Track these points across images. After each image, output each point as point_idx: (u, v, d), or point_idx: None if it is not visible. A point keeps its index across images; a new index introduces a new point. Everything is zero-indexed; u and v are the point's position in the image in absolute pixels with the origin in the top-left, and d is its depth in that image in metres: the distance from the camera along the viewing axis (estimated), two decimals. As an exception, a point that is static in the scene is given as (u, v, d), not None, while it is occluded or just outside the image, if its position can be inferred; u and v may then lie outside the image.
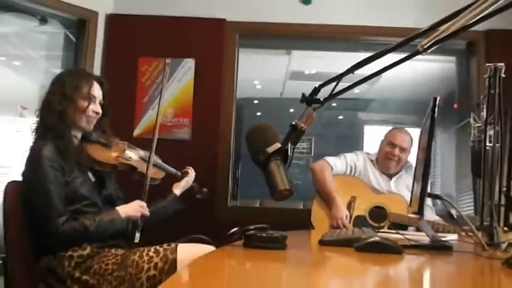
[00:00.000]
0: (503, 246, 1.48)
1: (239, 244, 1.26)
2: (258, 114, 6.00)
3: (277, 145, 1.37)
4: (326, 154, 3.00)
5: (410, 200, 1.91)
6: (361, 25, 3.49)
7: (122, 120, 3.09)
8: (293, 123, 1.38)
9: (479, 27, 3.83)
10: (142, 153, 2.13)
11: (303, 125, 1.38)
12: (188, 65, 3.39)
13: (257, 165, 1.38)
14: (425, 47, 1.30)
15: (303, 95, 1.41)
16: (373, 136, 5.84)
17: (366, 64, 1.44)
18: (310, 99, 1.40)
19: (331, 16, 3.49)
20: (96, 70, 3.35)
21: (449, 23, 1.30)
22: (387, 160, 2.86)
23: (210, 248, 1.81)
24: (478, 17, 1.24)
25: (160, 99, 2.20)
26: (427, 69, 4.76)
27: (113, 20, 3.46)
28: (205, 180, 2.61)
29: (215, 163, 3.39)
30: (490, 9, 1.22)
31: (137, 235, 1.89)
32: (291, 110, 5.91)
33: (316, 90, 1.42)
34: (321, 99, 1.41)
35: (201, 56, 3.43)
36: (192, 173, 2.30)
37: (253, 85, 5.59)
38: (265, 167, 1.36)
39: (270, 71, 5.07)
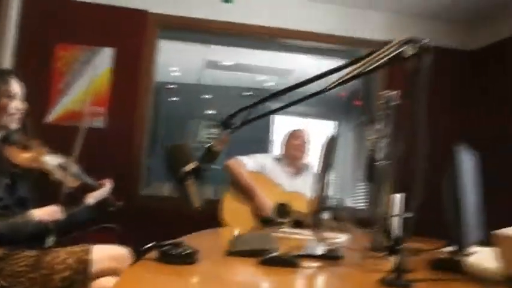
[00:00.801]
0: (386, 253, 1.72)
1: (153, 258, 1.37)
2: (176, 99, 6.04)
3: (193, 165, 1.49)
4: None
5: (311, 199, 2.12)
6: (277, 27, 3.69)
7: (35, 105, 3.02)
8: (208, 145, 1.51)
9: (382, 37, 4.19)
10: (60, 159, 2.13)
11: (218, 146, 1.52)
12: (106, 54, 3.38)
13: (174, 182, 1.50)
14: (329, 87, 1.48)
15: (220, 119, 1.53)
16: (281, 125, 6.15)
17: (287, 92, 1.59)
18: (226, 124, 1.53)
19: (250, 16, 3.64)
20: (9, 54, 3.22)
21: (353, 66, 1.48)
22: (295, 151, 3.16)
23: (123, 250, 1.90)
24: (373, 66, 1.44)
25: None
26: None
27: (30, 2, 3.32)
28: (119, 168, 2.63)
29: (129, 151, 3.44)
30: (385, 60, 1.43)
31: (50, 239, 1.92)
32: (207, 96, 6.02)
33: (232, 115, 1.55)
34: (237, 124, 1.54)
35: (120, 45, 3.42)
36: (108, 185, 2.34)
37: (171, 71, 5.60)
38: (181, 184, 1.48)
39: (188, 59, 5.11)
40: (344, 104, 5.40)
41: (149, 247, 1.41)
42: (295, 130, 3.33)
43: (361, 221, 2.11)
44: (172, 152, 1.55)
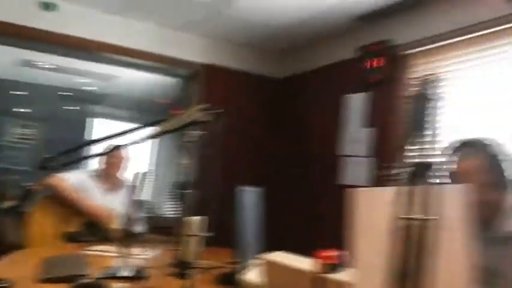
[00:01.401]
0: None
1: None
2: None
3: (11, 203, 1.64)
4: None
5: (122, 216, 2.30)
6: (97, 40, 3.78)
7: None
8: (27, 186, 1.67)
9: (200, 60, 4.55)
10: None
11: (36, 187, 1.69)
12: None
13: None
14: (157, 134, 1.76)
15: (40, 163, 1.70)
16: (101, 128, 6.27)
17: (106, 140, 1.80)
18: (45, 166, 1.70)
19: (70, 27, 3.68)
20: None
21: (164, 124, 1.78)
22: (112, 168, 3.29)
23: None
24: (176, 127, 1.77)
25: None
26: (160, 78, 5.28)
27: None
28: None
29: None
30: (184, 124, 1.77)
31: None
32: (21, 93, 5.78)
33: (50, 158, 1.72)
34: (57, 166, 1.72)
35: None
36: None
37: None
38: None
39: (1, 54, 4.82)
40: (164, 111, 5.61)
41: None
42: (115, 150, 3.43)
43: (170, 231, 2.33)
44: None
